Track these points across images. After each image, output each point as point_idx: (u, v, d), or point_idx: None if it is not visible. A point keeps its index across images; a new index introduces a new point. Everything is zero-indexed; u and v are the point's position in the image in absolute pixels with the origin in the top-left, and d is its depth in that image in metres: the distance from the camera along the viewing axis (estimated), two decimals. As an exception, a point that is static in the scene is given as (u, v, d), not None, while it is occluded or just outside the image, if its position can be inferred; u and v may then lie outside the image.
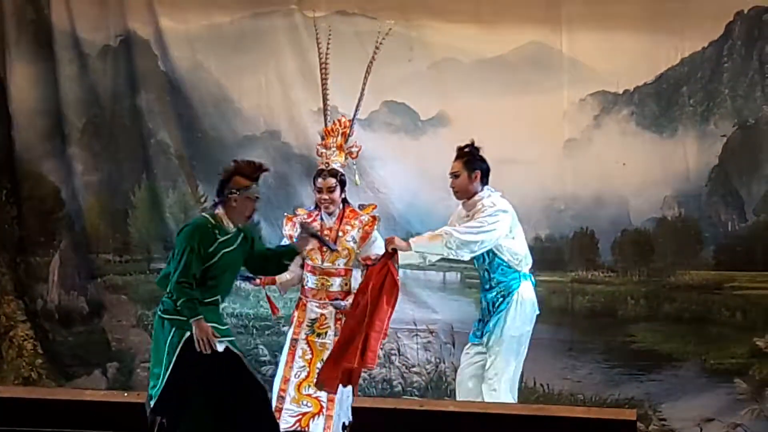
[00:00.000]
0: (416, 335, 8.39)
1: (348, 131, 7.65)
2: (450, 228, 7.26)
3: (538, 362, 8.67)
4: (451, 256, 7.30)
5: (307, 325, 7.56)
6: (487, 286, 7.46)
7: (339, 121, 7.67)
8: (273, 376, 8.95)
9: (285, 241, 7.64)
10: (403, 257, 7.23)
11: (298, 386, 7.47)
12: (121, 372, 9.29)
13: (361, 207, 7.74)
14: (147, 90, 9.34)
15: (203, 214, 7.22)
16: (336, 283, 7.56)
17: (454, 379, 8.59)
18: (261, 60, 9.21)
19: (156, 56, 9.30)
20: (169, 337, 7.08)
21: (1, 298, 9.43)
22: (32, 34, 9.37)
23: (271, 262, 7.27)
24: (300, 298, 7.65)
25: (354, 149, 7.67)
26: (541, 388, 8.79)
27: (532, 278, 7.52)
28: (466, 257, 7.28)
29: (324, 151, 7.61)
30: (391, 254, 7.21)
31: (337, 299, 7.56)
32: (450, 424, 5.71)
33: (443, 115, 8.93)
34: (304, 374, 7.48)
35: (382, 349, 8.59)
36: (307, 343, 7.56)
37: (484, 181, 7.47)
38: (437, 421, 5.72)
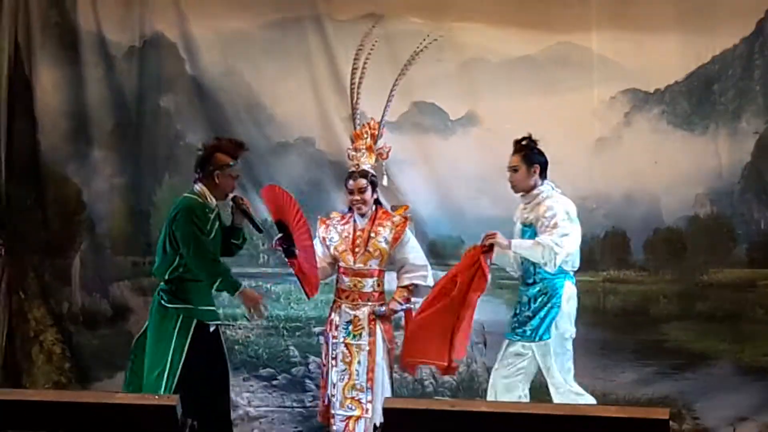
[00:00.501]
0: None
1: (377, 132, 7.69)
2: (552, 242, 7.27)
3: (570, 362, 8.75)
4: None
5: (343, 328, 7.61)
6: (530, 281, 7.49)
7: (367, 124, 7.75)
8: (304, 377, 9.08)
9: (318, 244, 7.68)
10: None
11: (343, 389, 7.61)
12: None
13: (394, 208, 7.79)
14: (175, 92, 9.34)
15: (187, 195, 7.27)
16: (368, 284, 7.65)
17: (486, 379, 8.62)
18: (292, 66, 9.19)
19: (183, 59, 9.27)
20: (177, 326, 7.12)
21: (31, 303, 9.43)
22: (57, 37, 9.36)
23: (224, 241, 7.41)
24: (335, 300, 7.68)
25: (384, 150, 7.72)
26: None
27: (573, 278, 7.53)
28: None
29: (354, 153, 7.72)
30: (487, 249, 7.25)
31: (369, 300, 7.56)
32: (482, 425, 5.62)
33: (473, 115, 8.93)
34: (346, 377, 7.63)
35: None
36: (346, 346, 7.66)
37: (543, 175, 7.51)
38: (469, 421, 5.63)
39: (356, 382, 7.61)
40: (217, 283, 7.30)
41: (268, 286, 9.30)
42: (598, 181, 8.81)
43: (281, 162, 9.29)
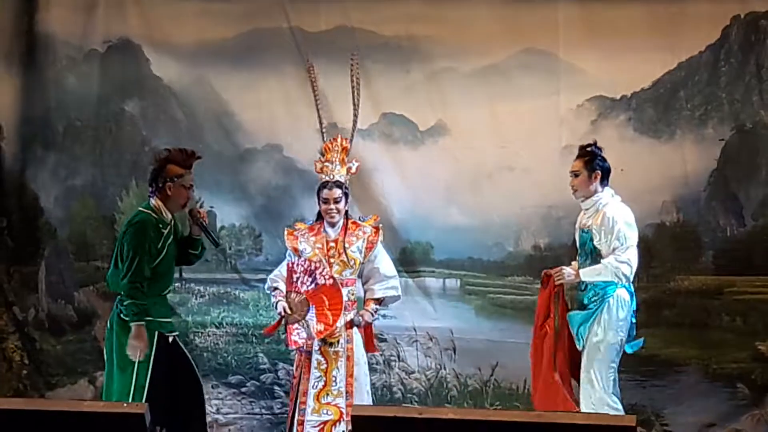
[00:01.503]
0: (416, 341, 8.42)
1: (348, 146, 7.82)
2: (617, 262, 7.44)
3: (541, 369, 8.77)
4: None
5: (322, 337, 7.62)
6: (583, 287, 7.56)
7: (338, 137, 7.88)
8: (273, 384, 9.06)
9: (289, 254, 7.79)
10: None
11: (317, 396, 7.69)
12: (108, 379, 9.32)
13: (362, 219, 7.84)
14: (141, 97, 9.32)
15: (142, 209, 7.25)
16: (343, 293, 7.65)
17: (455, 386, 8.64)
18: (261, 75, 9.21)
19: (150, 64, 9.25)
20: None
21: (-3, 310, 9.40)
22: (22, 46, 9.35)
23: (182, 251, 7.41)
24: None
25: (353, 165, 7.85)
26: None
27: (631, 286, 7.55)
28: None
29: (327, 165, 7.78)
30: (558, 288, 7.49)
31: (345, 308, 7.68)
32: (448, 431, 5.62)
33: (441, 125, 8.94)
34: (321, 384, 7.70)
35: (382, 355, 8.66)
36: (321, 353, 7.71)
37: (605, 182, 7.57)
38: (437, 428, 5.62)
39: (333, 387, 7.66)
40: (127, 303, 7.22)
41: (237, 292, 9.32)
42: (566, 189, 8.76)
43: (249, 167, 9.32)
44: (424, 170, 8.92)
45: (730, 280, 8.80)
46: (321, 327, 7.59)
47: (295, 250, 7.77)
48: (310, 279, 7.59)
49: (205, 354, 9.18)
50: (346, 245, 7.72)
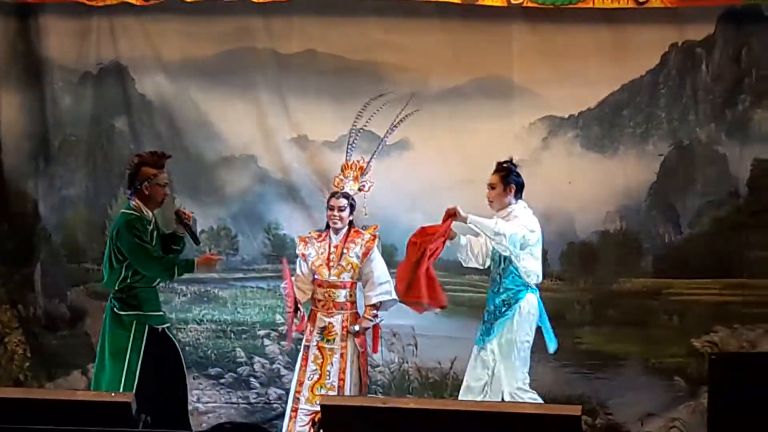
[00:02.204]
0: (381, 337, 8.46)
1: (365, 167, 8.06)
2: (503, 224, 7.49)
3: (495, 362, 8.86)
4: (491, 241, 7.54)
5: (318, 333, 7.81)
6: (496, 290, 7.69)
7: (359, 160, 8.12)
8: (249, 375, 9.13)
9: (299, 261, 8.04)
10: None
11: (312, 387, 7.89)
12: (96, 371, 9.38)
13: (365, 228, 7.98)
14: (129, 114, 9.37)
15: (124, 211, 7.40)
16: (341, 295, 7.98)
17: (417, 378, 8.73)
18: (238, 91, 9.24)
19: (136, 83, 9.30)
20: (132, 332, 7.19)
21: (0, 308, 9.48)
22: (21, 65, 9.41)
23: (165, 247, 7.52)
24: (311, 309, 7.95)
25: (367, 184, 8.04)
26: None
27: (538, 292, 7.72)
28: (499, 247, 7.51)
29: (342, 178, 8.04)
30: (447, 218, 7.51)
31: (342, 309, 7.93)
32: (411, 420, 5.73)
33: (406, 140, 8.98)
34: (316, 377, 7.92)
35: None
36: (318, 348, 7.94)
37: (518, 195, 7.70)
38: (400, 417, 5.74)
39: (327, 381, 7.87)
40: (175, 274, 7.39)
41: (216, 291, 9.36)
42: (517, 199, 8.93)
43: (227, 173, 9.36)
44: (389, 180, 8.87)
45: (668, 283, 8.93)
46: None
47: (303, 255, 8.02)
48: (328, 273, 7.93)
49: (186, 348, 9.10)
50: (345, 250, 7.94)
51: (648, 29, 8.77)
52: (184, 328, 9.29)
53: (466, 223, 7.52)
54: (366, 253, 7.95)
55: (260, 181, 9.30)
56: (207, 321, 9.34)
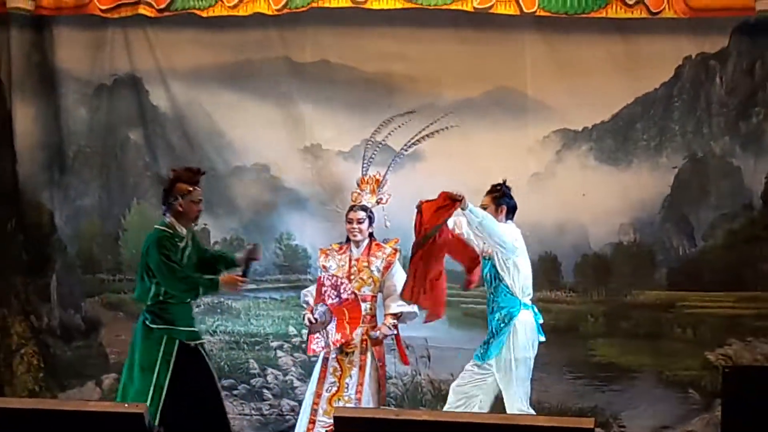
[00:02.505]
0: (394, 349, 8.45)
1: (381, 180, 8.12)
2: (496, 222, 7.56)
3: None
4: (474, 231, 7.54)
5: (337, 347, 7.77)
6: (491, 309, 7.75)
7: (375, 174, 8.17)
8: (262, 387, 9.13)
9: (320, 272, 8.04)
10: None
11: (329, 399, 7.87)
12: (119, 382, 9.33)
13: (385, 241, 7.98)
14: (144, 126, 9.41)
15: (157, 227, 7.38)
16: (362, 308, 7.86)
17: (429, 391, 8.72)
18: (250, 100, 9.28)
19: (149, 95, 9.34)
20: (162, 346, 7.17)
21: (14, 318, 9.50)
22: (36, 76, 9.45)
23: (209, 264, 7.52)
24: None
25: (384, 197, 8.06)
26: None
27: (535, 309, 7.76)
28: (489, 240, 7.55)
29: (359, 192, 8.08)
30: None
31: (363, 322, 7.87)
32: (424, 432, 5.72)
33: (419, 151, 8.94)
34: (334, 389, 7.90)
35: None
36: (337, 361, 7.93)
37: (510, 216, 7.76)
38: (412, 429, 5.72)
39: (345, 393, 7.86)
40: (200, 294, 7.38)
41: (229, 302, 9.38)
42: (533, 211, 8.78)
43: (239, 183, 9.38)
44: (402, 191, 8.90)
45: (682, 295, 8.93)
46: (338, 336, 7.79)
47: (324, 267, 8.02)
48: (335, 293, 7.81)
49: None
50: (366, 264, 7.94)
51: (661, 41, 8.78)
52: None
53: (464, 210, 7.50)
54: (387, 267, 7.96)
55: (272, 190, 9.32)
56: (220, 332, 9.36)
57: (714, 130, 8.89)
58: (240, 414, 9.24)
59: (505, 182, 7.81)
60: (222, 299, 9.35)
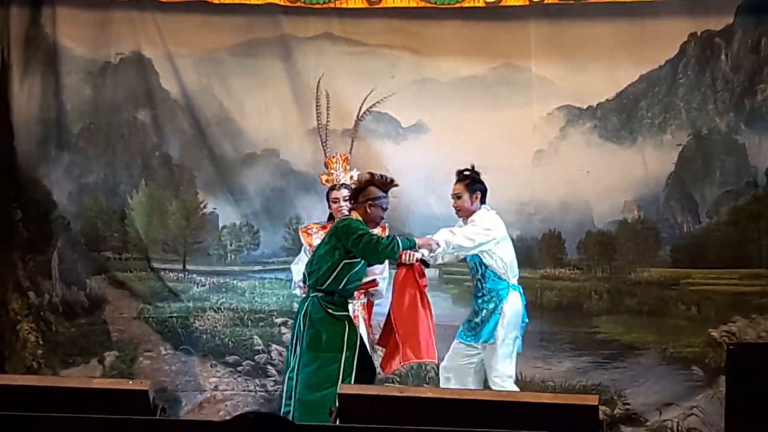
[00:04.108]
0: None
1: (348, 156, 8.18)
2: (448, 232, 7.53)
3: (512, 352, 8.86)
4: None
5: None
6: (479, 294, 7.77)
7: (340, 155, 8.25)
8: (266, 363, 9.20)
9: (305, 249, 8.04)
10: None
11: None
12: (121, 360, 9.36)
13: None
14: (151, 106, 9.37)
15: (352, 217, 7.39)
16: None
17: (433, 368, 8.71)
18: (258, 83, 9.25)
19: (159, 76, 9.30)
20: (346, 333, 7.23)
21: (11, 295, 9.46)
22: (36, 52, 9.38)
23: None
24: None
25: (355, 174, 8.08)
26: (515, 375, 8.90)
27: (521, 290, 7.78)
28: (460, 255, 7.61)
29: (332, 173, 8.12)
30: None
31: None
32: (428, 409, 5.73)
33: (423, 124, 9.02)
34: None
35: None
36: None
37: (483, 200, 7.74)
38: (417, 405, 5.74)
39: None
40: (394, 249, 7.26)
41: (235, 282, 9.36)
42: (537, 188, 8.90)
43: (249, 171, 9.36)
44: (405, 163, 8.95)
45: (686, 273, 8.90)
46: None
47: (310, 245, 8.00)
48: None
49: (204, 336, 9.25)
50: None
51: (667, 20, 8.74)
52: (202, 316, 9.30)
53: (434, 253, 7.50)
54: None
55: (281, 174, 9.29)
56: (224, 309, 9.33)
57: (719, 106, 8.84)
58: (244, 390, 9.23)
59: (473, 167, 7.79)
60: (227, 279, 9.35)
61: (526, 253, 8.89)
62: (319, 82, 8.69)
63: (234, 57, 9.25)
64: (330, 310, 7.31)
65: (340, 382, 7.07)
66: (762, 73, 8.78)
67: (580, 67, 8.83)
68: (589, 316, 8.99)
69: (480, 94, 8.95)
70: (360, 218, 7.36)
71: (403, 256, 7.36)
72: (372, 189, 7.37)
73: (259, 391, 9.27)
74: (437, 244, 7.45)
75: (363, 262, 7.37)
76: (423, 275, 7.48)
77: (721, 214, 8.84)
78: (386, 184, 7.44)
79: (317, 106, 8.57)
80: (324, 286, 7.34)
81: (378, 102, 8.60)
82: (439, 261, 7.84)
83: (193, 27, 9.24)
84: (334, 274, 7.30)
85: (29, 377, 7.69)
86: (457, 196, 7.75)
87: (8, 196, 9.43)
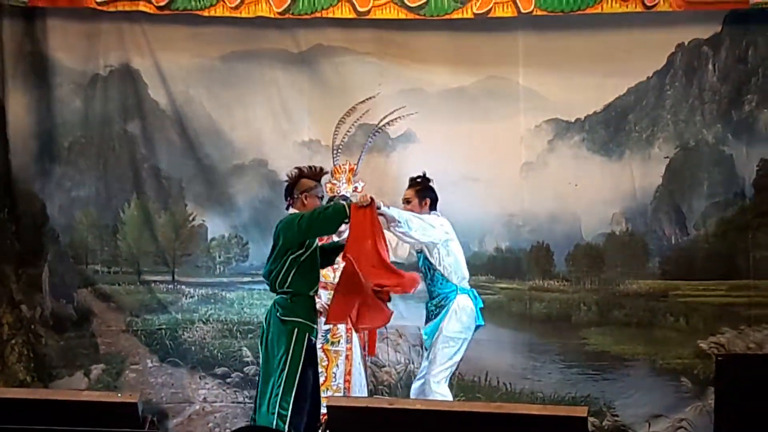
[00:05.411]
0: (387, 338, 8.46)
1: (354, 167, 8.26)
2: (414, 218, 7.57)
3: (501, 363, 8.96)
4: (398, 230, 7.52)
5: (322, 335, 7.81)
6: (431, 297, 7.87)
7: (347, 163, 8.33)
8: (255, 375, 9.18)
9: None
10: None
11: None
12: (108, 373, 9.37)
13: None
14: (141, 118, 9.38)
15: (291, 213, 7.40)
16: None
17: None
18: (249, 94, 9.29)
19: (148, 88, 9.31)
20: (293, 340, 7.17)
21: (4, 309, 9.43)
22: (29, 65, 9.41)
23: (324, 256, 7.52)
24: (317, 311, 7.84)
25: (359, 185, 8.22)
26: (504, 386, 8.97)
27: (474, 293, 7.84)
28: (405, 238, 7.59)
29: (335, 182, 8.21)
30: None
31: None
32: (417, 421, 5.73)
33: (411, 133, 9.04)
34: (321, 379, 7.82)
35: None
36: (323, 351, 7.87)
37: (433, 207, 7.82)
38: (406, 418, 5.73)
39: (333, 383, 7.94)
40: (327, 214, 7.25)
41: (224, 293, 9.39)
42: (525, 201, 8.92)
43: (238, 181, 9.39)
44: (395, 174, 8.93)
45: (675, 284, 8.92)
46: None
47: None
48: (333, 275, 7.92)
49: (193, 348, 9.29)
50: None
51: (655, 32, 8.75)
52: (191, 328, 9.33)
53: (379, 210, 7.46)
54: None
55: (270, 185, 9.29)
56: (213, 320, 9.36)
57: (706, 117, 8.87)
58: (233, 402, 9.24)
59: (425, 174, 7.86)
60: (216, 290, 9.39)
61: (515, 264, 8.93)
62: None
63: (222, 68, 9.27)
64: (278, 314, 7.30)
65: (275, 396, 7.08)
66: (749, 83, 8.80)
67: (567, 79, 8.86)
68: (578, 328, 9.00)
69: (468, 106, 8.99)
70: (298, 212, 7.38)
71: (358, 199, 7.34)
72: (304, 181, 7.43)
73: (249, 403, 9.14)
74: (386, 206, 7.47)
75: (309, 253, 7.31)
76: (377, 217, 7.40)
77: (709, 225, 8.86)
78: (316, 174, 7.50)
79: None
80: (278, 288, 7.34)
81: (398, 118, 8.61)
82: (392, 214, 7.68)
83: (182, 39, 9.26)
84: (283, 271, 7.28)
85: (19, 390, 7.69)
86: (407, 201, 7.85)
87: (2, 209, 9.41)
